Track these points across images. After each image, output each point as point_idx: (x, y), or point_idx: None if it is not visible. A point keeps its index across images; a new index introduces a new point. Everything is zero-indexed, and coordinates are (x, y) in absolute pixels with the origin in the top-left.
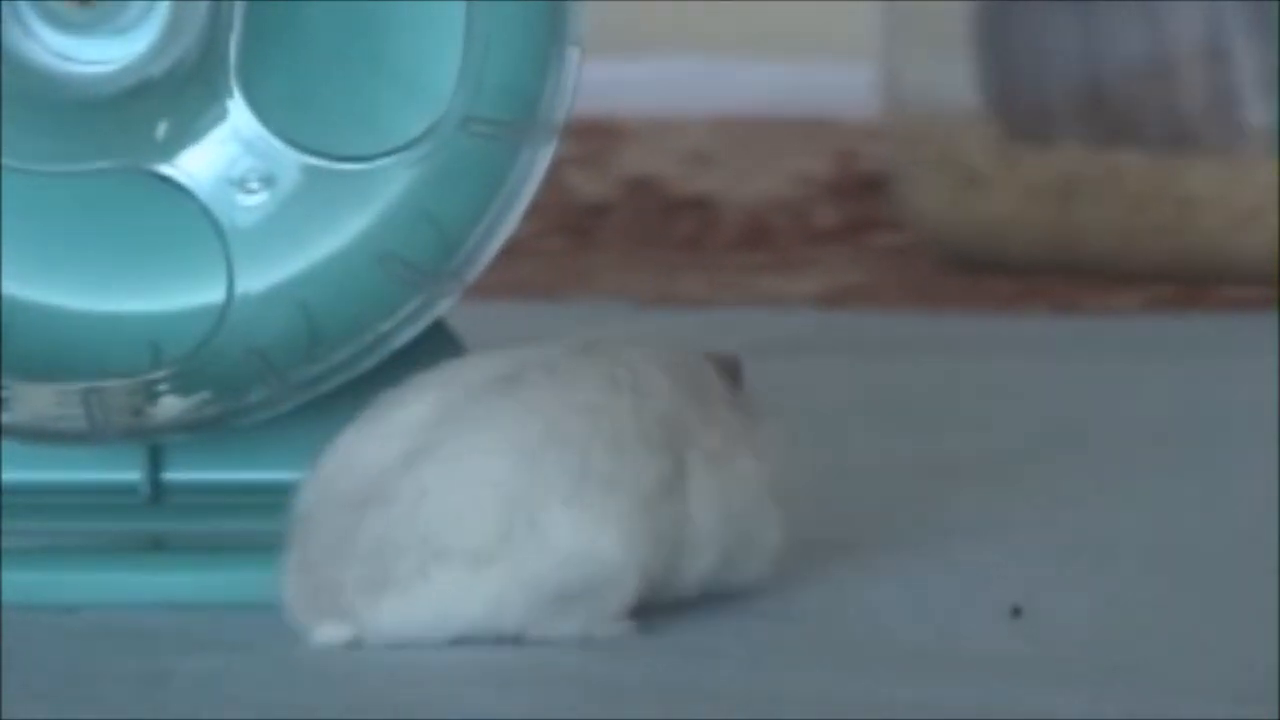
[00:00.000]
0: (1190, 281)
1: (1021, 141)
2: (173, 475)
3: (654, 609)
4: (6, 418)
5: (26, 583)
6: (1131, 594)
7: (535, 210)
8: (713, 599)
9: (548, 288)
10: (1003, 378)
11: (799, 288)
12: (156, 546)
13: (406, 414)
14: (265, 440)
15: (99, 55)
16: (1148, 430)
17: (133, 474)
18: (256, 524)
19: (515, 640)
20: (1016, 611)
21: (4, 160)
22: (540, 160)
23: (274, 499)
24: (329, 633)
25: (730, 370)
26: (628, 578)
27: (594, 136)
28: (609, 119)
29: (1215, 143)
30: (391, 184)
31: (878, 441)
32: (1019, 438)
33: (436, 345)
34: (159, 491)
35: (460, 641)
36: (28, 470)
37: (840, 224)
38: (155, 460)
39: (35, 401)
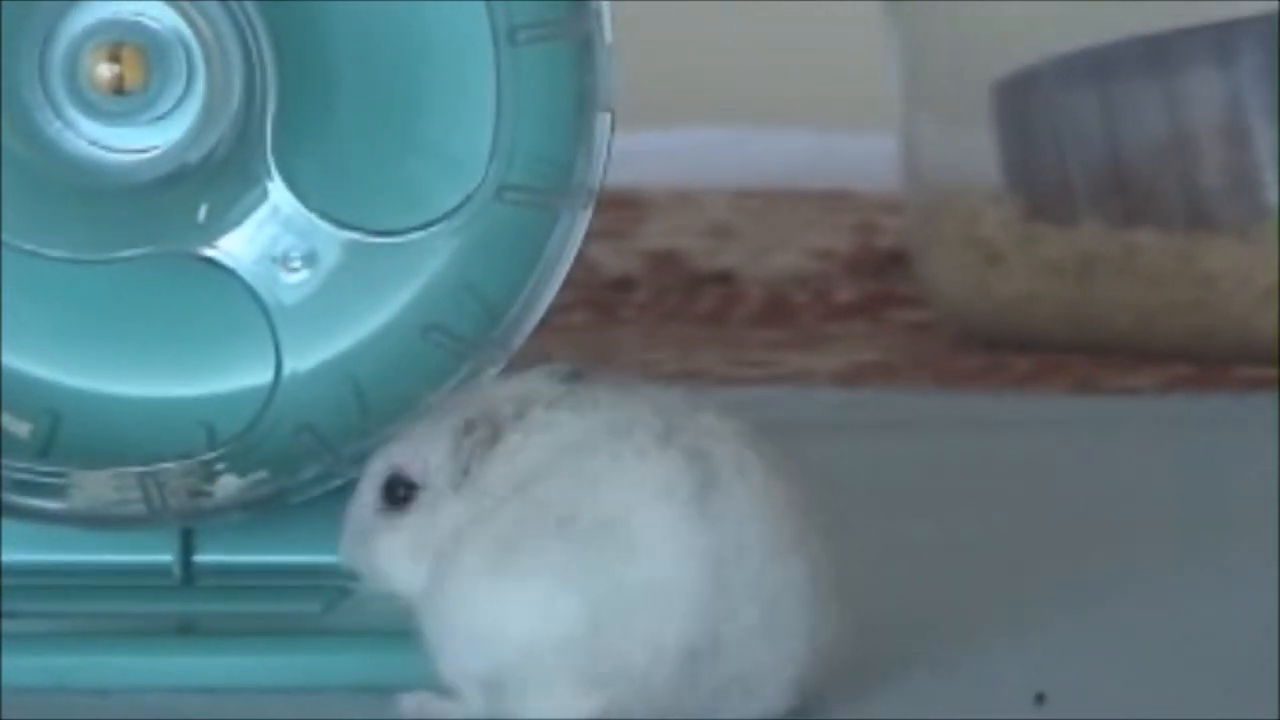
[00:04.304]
0: (1209, 360)
1: (1041, 219)
2: (204, 557)
3: None
4: (65, 505)
5: (57, 666)
6: (1156, 680)
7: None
8: None
9: (571, 363)
10: (1022, 456)
11: (819, 364)
12: (187, 629)
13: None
14: (297, 522)
15: (136, 142)
16: (1169, 510)
17: (164, 556)
18: (288, 606)
19: None
20: (1040, 698)
21: (48, 251)
22: (579, 225)
23: (306, 581)
24: None
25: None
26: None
27: (617, 209)
28: (632, 192)
29: (1234, 221)
30: (432, 256)
31: (895, 522)
32: (1038, 517)
33: None
34: (190, 574)
35: None
36: (57, 552)
37: (860, 300)
38: (187, 542)
39: (93, 488)
